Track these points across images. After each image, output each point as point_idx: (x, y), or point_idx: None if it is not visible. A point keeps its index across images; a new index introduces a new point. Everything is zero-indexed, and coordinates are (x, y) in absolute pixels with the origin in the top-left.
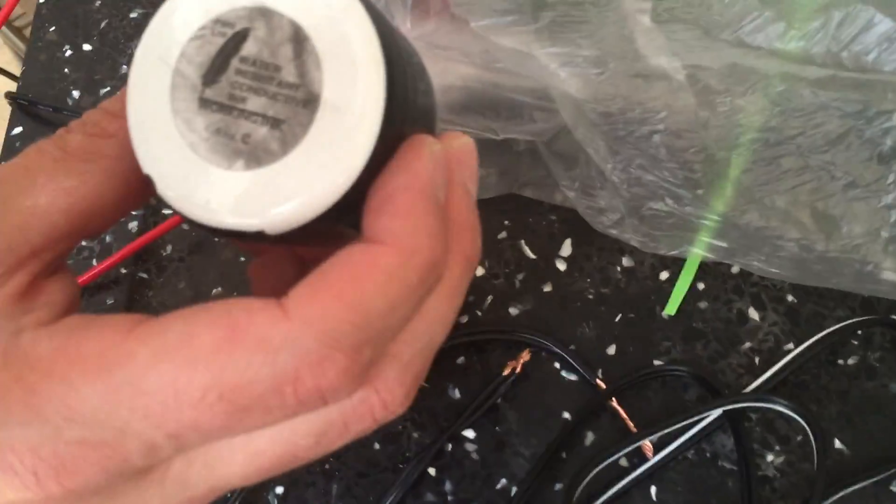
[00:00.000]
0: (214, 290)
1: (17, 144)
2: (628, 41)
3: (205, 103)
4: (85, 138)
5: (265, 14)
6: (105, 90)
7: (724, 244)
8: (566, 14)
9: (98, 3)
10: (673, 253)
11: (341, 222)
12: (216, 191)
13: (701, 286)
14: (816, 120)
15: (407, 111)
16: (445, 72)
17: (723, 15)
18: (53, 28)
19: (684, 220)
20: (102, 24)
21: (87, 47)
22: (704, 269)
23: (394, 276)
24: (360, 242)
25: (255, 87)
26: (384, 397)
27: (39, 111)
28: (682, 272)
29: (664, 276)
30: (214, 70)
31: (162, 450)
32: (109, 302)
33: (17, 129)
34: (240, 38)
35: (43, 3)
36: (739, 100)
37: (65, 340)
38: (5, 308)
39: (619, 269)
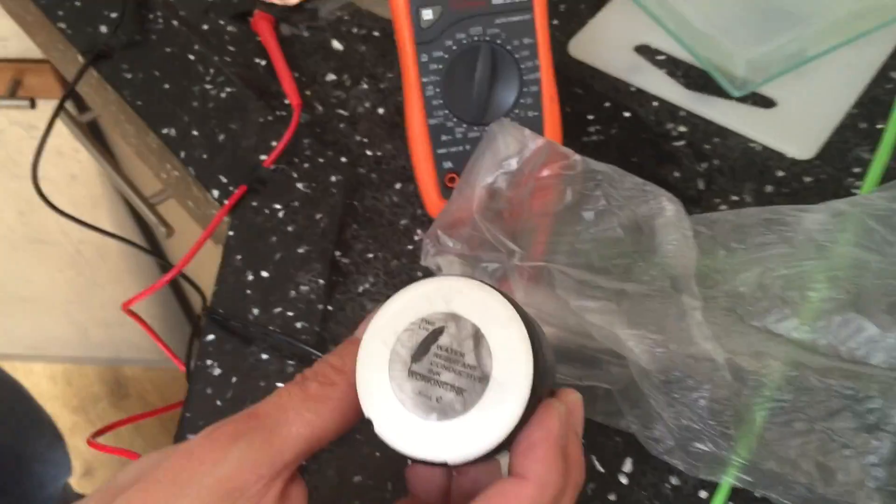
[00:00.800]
0: (356, 478)
1: (210, 349)
2: (684, 329)
3: (412, 374)
4: (319, 386)
5: (455, 318)
6: (277, 310)
7: (749, 478)
8: (640, 304)
9: (274, 239)
10: (710, 478)
11: (495, 455)
12: (417, 434)
13: None
14: (820, 397)
15: (543, 380)
16: (543, 329)
17: (753, 306)
18: (239, 256)
19: (720, 457)
20: (277, 256)
21: (264, 274)
22: (736, 493)
23: (534, 502)
24: (511, 477)
25: (446, 366)
26: None
27: (229, 325)
28: (717, 493)
29: (703, 495)
30: (420, 352)
31: None
32: None
33: (211, 337)
34: (438, 332)
35: (232, 235)
36: (763, 378)
37: None
38: None
39: (668, 486)
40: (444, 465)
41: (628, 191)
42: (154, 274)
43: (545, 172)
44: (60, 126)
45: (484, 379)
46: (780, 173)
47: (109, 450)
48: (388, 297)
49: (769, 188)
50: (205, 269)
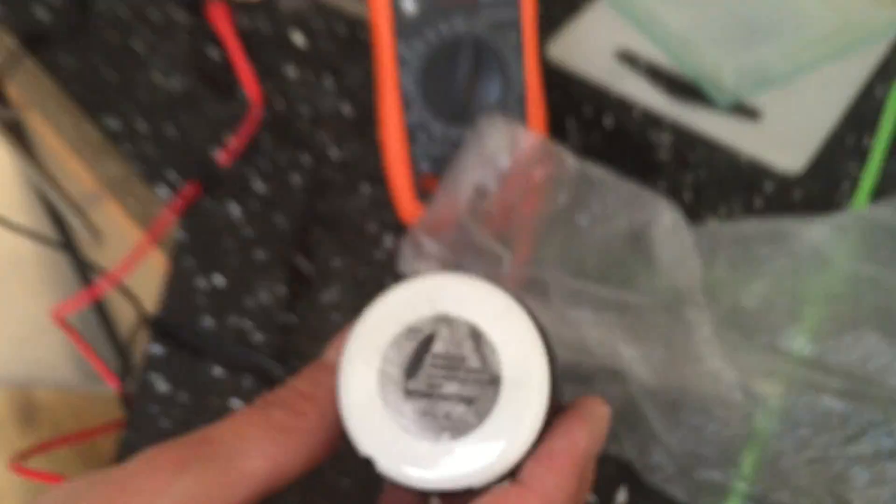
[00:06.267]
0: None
1: (156, 362)
2: (691, 345)
3: (409, 393)
4: (285, 415)
5: (447, 320)
6: (233, 320)
7: None
8: (642, 317)
9: (229, 243)
10: None
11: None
12: (430, 461)
13: None
14: (835, 421)
15: (558, 380)
16: None
17: (759, 322)
18: (190, 261)
19: (725, 486)
20: (232, 262)
21: (218, 280)
22: None
23: None
24: (515, 484)
25: (447, 375)
26: None
27: (178, 334)
28: None
29: None
30: (413, 366)
31: None
32: None
33: (157, 348)
34: (429, 339)
35: (182, 237)
36: (774, 401)
37: None
38: None
39: None
40: (469, 493)
41: (624, 197)
42: (73, 287)
43: (537, 173)
44: None
45: (494, 381)
46: (769, 186)
47: (36, 475)
48: (356, 308)
49: (758, 201)
50: (135, 277)
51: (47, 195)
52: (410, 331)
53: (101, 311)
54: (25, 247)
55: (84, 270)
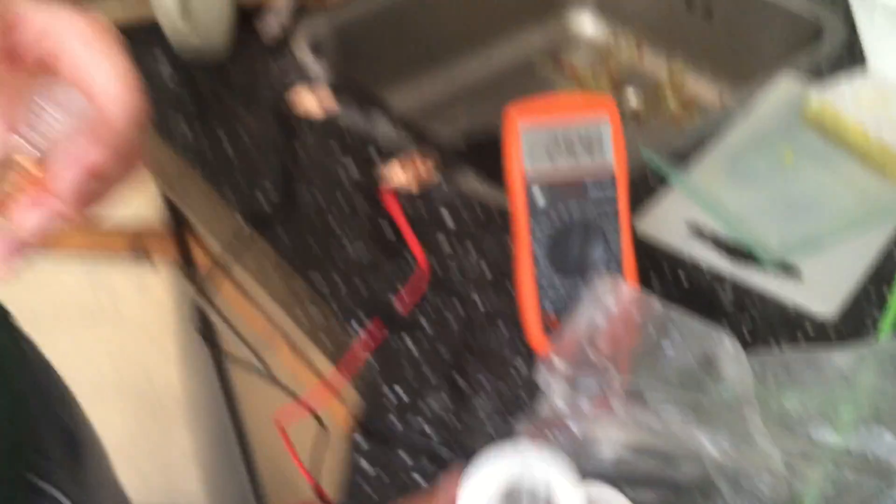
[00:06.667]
0: None
1: (362, 451)
2: (748, 432)
3: None
4: None
5: (531, 475)
6: (412, 420)
7: None
8: (711, 413)
9: (405, 364)
10: None
11: None
12: None
13: None
14: (853, 489)
15: None
16: (619, 443)
17: (797, 420)
18: (378, 378)
19: None
20: (408, 376)
21: (399, 391)
22: None
23: None
24: None
25: None
26: None
27: (373, 429)
28: None
29: None
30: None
31: None
32: None
33: (361, 440)
34: (519, 488)
35: (372, 361)
36: (809, 472)
37: None
38: None
39: None
40: None
41: (697, 332)
42: (219, 422)
43: (634, 313)
44: (170, 284)
45: None
46: (809, 327)
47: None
48: (497, 410)
49: (801, 338)
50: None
51: (219, 342)
52: (507, 482)
53: (240, 437)
54: (177, 387)
55: (233, 406)
